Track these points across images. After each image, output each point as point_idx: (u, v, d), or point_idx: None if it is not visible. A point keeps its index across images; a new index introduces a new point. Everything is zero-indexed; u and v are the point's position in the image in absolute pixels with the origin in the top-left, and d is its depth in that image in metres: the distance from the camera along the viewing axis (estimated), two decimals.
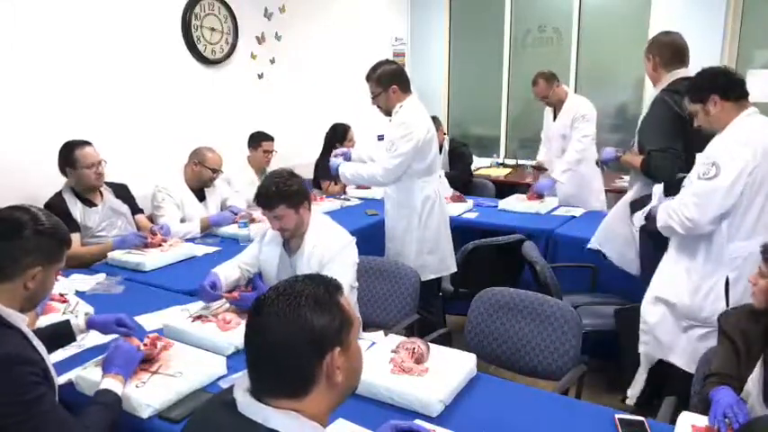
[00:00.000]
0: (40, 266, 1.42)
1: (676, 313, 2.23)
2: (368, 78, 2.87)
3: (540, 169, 4.43)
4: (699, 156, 2.14)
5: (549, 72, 4.12)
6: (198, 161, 3.31)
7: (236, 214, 3.33)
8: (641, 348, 2.35)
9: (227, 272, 2.26)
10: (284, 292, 1.00)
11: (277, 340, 0.97)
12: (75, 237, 2.76)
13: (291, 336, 0.96)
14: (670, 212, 2.13)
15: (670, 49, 2.63)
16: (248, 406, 0.99)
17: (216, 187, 3.48)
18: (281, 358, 0.97)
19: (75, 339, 1.77)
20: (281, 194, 2.08)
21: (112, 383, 1.53)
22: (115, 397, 1.50)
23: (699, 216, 2.05)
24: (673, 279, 2.24)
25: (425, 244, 2.96)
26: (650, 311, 2.31)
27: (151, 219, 3.28)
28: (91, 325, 1.79)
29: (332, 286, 1.04)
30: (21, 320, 1.42)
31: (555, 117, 4.15)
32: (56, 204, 2.77)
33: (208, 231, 3.30)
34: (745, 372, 1.63)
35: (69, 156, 2.81)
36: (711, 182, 2.03)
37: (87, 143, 2.86)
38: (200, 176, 3.33)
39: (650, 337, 2.32)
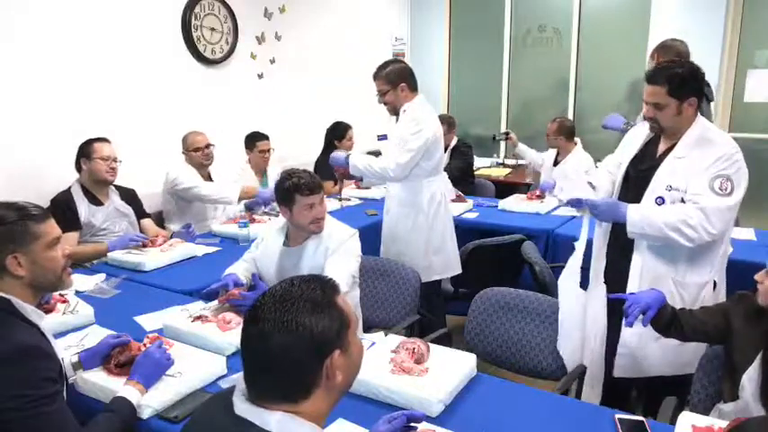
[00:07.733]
0: (14, 253, 1.37)
1: None
2: (375, 76, 2.87)
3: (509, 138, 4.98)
4: (699, 168, 1.99)
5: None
6: (185, 149, 3.47)
7: (249, 210, 3.45)
8: (617, 372, 2.18)
9: (239, 273, 2.31)
10: (281, 298, 0.97)
11: (276, 349, 0.94)
12: (74, 235, 2.76)
13: (291, 344, 0.94)
14: (690, 223, 1.93)
15: (671, 55, 2.66)
16: (246, 408, 0.98)
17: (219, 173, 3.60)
18: (280, 367, 0.95)
19: (66, 380, 1.61)
20: (319, 180, 2.23)
21: (130, 391, 1.49)
22: (128, 404, 1.47)
23: (719, 231, 1.96)
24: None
25: (431, 245, 2.95)
26: (631, 332, 2.11)
27: (157, 223, 3.28)
28: (88, 361, 1.66)
29: (328, 287, 1.02)
30: (38, 317, 1.42)
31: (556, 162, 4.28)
32: (62, 200, 2.79)
33: (248, 200, 3.50)
34: (740, 359, 1.63)
35: (87, 147, 2.88)
36: (729, 198, 1.95)
37: (107, 140, 2.94)
38: (192, 160, 3.45)
39: (628, 359, 2.16)
